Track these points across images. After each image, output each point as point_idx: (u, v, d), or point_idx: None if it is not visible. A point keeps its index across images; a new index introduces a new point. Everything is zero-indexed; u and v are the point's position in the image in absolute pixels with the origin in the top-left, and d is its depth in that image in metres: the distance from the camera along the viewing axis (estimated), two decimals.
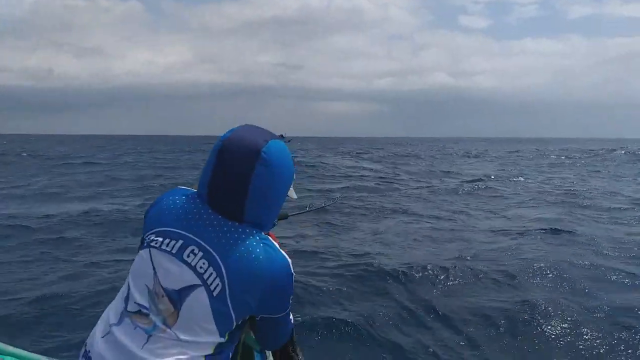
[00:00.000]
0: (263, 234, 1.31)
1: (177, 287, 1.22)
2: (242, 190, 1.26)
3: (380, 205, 12.39)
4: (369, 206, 12.12)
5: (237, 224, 1.27)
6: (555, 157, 41.44)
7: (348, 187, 16.80)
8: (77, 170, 23.34)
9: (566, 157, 40.69)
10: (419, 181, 19.50)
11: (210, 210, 1.29)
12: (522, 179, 20.44)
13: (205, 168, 1.31)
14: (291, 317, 1.45)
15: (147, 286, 1.24)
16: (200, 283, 1.21)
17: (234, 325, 1.26)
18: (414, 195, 14.78)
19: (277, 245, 1.32)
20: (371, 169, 25.66)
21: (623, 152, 44.94)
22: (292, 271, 1.31)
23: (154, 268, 1.25)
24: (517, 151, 54.20)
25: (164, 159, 36.32)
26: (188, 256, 1.23)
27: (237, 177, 1.26)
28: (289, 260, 1.31)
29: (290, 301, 1.36)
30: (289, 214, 2.31)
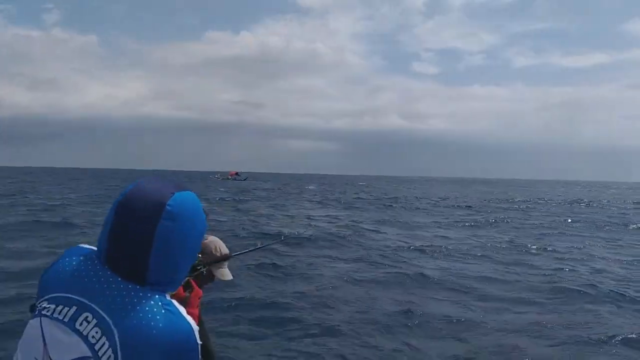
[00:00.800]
0: (167, 297, 1.16)
1: (67, 359, 1.09)
2: (144, 249, 1.12)
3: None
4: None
5: (137, 287, 1.13)
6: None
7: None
8: None
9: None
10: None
11: (109, 272, 1.15)
12: None
13: (104, 225, 1.17)
14: None
15: (35, 359, 1.12)
16: (91, 355, 1.07)
17: None
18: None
19: (182, 311, 1.15)
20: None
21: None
22: (198, 340, 1.15)
23: (44, 339, 1.12)
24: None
25: (99, 194, 33.31)
26: (81, 324, 1.10)
27: (138, 234, 1.12)
28: (194, 326, 1.14)
29: None
30: (231, 254, 2.17)
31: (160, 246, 1.14)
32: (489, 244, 14.33)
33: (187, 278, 1.58)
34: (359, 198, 39.55)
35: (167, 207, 1.14)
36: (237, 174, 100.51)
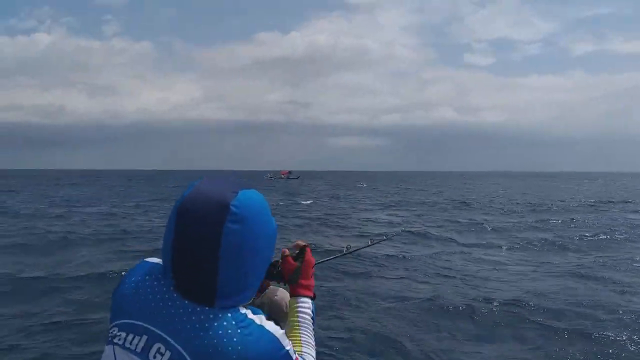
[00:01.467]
0: (240, 312, 1.09)
1: None
2: (210, 256, 1.05)
3: None
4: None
5: (206, 308, 1.07)
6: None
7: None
8: None
9: None
10: None
11: (175, 295, 1.09)
12: None
13: (164, 239, 1.11)
14: None
15: None
16: None
17: None
18: None
19: (260, 321, 1.10)
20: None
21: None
22: (285, 346, 1.10)
23: None
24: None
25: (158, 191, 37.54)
26: (154, 357, 1.06)
27: (203, 240, 1.05)
28: (278, 335, 1.09)
29: None
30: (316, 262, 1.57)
31: (228, 252, 1.06)
32: None
33: (298, 250, 1.46)
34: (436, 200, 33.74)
35: (232, 207, 1.07)
36: (289, 172, 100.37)
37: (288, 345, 1.11)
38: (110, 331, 1.14)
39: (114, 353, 1.11)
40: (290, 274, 1.41)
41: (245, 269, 1.09)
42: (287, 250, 1.47)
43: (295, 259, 1.45)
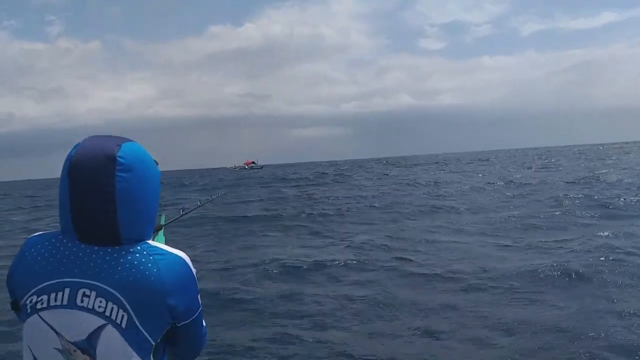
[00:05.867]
0: (147, 243, 1.20)
1: (85, 335, 1.12)
2: (109, 206, 1.12)
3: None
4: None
5: (116, 247, 1.15)
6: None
7: None
8: None
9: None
10: None
11: (83, 245, 1.15)
12: None
13: (61, 199, 1.16)
14: (203, 320, 1.35)
15: (56, 349, 1.14)
16: (105, 322, 1.12)
17: (154, 345, 1.18)
18: None
19: (166, 248, 1.21)
20: None
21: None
22: (191, 267, 1.22)
23: (53, 329, 1.13)
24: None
25: None
26: (82, 301, 1.12)
27: (99, 193, 1.12)
28: (185, 257, 1.21)
29: (199, 299, 1.27)
30: (163, 224, 2.08)
31: (123, 200, 1.14)
32: None
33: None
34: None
35: (119, 158, 1.14)
36: (253, 162, 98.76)
37: (192, 267, 1.23)
38: (27, 303, 1.15)
39: (41, 318, 1.14)
40: None
41: (140, 209, 1.17)
42: None
43: None
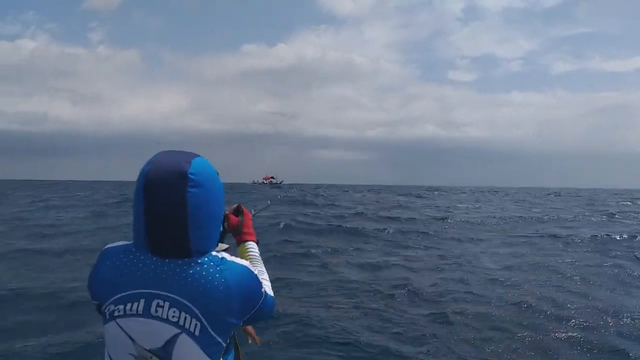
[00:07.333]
0: (213, 254, 1.27)
1: (160, 344, 1.20)
2: (181, 221, 1.20)
3: None
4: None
5: (186, 260, 1.23)
6: None
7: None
8: None
9: None
10: None
11: (154, 258, 1.24)
12: None
13: (135, 212, 1.24)
14: (268, 291, 1.42)
15: (131, 355, 1.22)
16: (179, 330, 1.19)
17: (225, 344, 1.28)
18: None
19: (230, 258, 1.29)
20: None
21: None
22: (254, 272, 1.31)
23: (129, 337, 1.22)
24: None
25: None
26: (156, 311, 1.20)
27: (172, 208, 1.20)
28: (248, 265, 1.30)
29: (262, 289, 1.34)
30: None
31: (193, 214, 1.21)
32: None
33: (235, 206, 1.75)
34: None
35: (190, 175, 1.21)
36: (272, 178, 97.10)
37: (256, 271, 1.33)
38: (106, 311, 1.24)
39: (119, 325, 1.22)
40: (235, 226, 1.67)
41: (208, 222, 1.25)
42: (227, 211, 1.71)
43: (235, 215, 1.74)
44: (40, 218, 20.52)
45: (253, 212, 1.98)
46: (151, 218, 1.21)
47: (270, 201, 3.87)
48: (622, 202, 46.00)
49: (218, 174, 1.33)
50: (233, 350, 1.42)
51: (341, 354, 5.22)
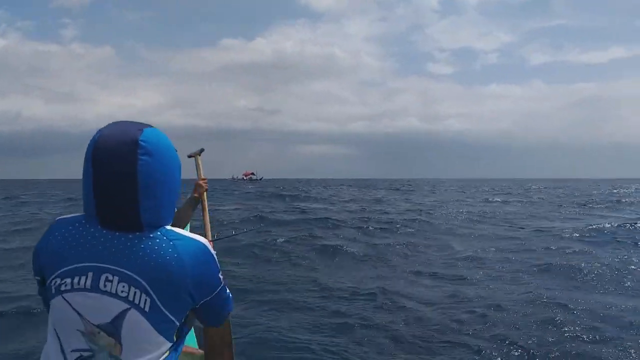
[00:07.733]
0: (167, 228, 1.21)
1: (109, 319, 1.14)
2: (131, 190, 1.14)
3: None
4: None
5: (137, 233, 1.17)
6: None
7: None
8: None
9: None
10: None
11: (104, 231, 1.17)
12: None
13: (84, 183, 1.17)
14: (227, 290, 1.35)
15: (79, 330, 1.16)
16: (129, 306, 1.14)
17: (179, 325, 1.22)
18: None
19: (186, 233, 1.23)
20: None
21: None
22: (211, 251, 1.24)
23: (77, 312, 1.15)
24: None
25: None
26: (104, 285, 1.14)
27: (122, 177, 1.13)
28: (204, 241, 1.23)
29: (221, 275, 1.29)
30: (212, 240, 2.10)
31: (145, 184, 1.14)
32: None
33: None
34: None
35: (141, 142, 1.14)
36: (252, 174, 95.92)
37: (212, 250, 1.25)
38: (52, 285, 1.18)
39: (65, 300, 1.15)
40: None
41: (161, 194, 1.18)
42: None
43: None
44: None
45: (215, 237, 1.81)
46: (100, 189, 1.15)
47: (235, 231, 3.87)
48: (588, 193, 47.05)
49: (176, 150, 1.26)
50: (188, 331, 1.34)
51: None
